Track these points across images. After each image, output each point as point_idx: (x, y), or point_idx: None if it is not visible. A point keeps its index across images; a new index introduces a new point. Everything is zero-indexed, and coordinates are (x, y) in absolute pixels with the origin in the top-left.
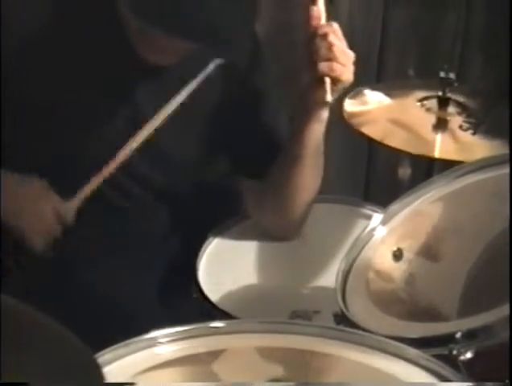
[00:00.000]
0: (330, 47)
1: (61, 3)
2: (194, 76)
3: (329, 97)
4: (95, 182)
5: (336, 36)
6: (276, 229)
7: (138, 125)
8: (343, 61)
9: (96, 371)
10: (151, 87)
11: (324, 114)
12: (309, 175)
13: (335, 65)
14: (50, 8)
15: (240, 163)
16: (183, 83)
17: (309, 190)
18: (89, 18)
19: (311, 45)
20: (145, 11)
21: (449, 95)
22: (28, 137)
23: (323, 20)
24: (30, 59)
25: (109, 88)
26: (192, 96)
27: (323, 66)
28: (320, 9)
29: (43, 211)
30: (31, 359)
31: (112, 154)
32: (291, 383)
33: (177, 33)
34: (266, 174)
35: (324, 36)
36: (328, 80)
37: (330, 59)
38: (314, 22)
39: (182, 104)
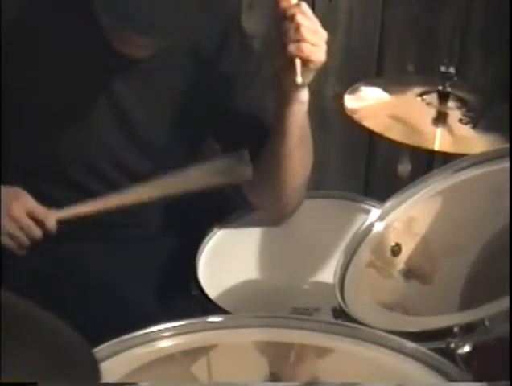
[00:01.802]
0: (298, 27)
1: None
2: (169, 67)
3: (299, 79)
4: (86, 207)
5: (304, 16)
6: (272, 213)
7: (117, 117)
8: (312, 41)
9: (93, 366)
10: (128, 78)
11: (303, 95)
12: (297, 158)
13: (303, 46)
14: (26, 3)
15: (228, 150)
16: (159, 72)
17: (300, 173)
18: (64, 12)
19: (280, 27)
20: (108, 11)
21: (449, 89)
22: (6, 135)
23: (292, 1)
24: (5, 55)
25: (86, 81)
26: (167, 83)
27: (291, 47)
28: None
29: (14, 213)
30: (29, 353)
31: (94, 145)
32: (293, 383)
33: (143, 32)
34: (255, 159)
35: (292, 17)
36: (298, 62)
37: (299, 40)
38: (282, 4)
39: (158, 92)
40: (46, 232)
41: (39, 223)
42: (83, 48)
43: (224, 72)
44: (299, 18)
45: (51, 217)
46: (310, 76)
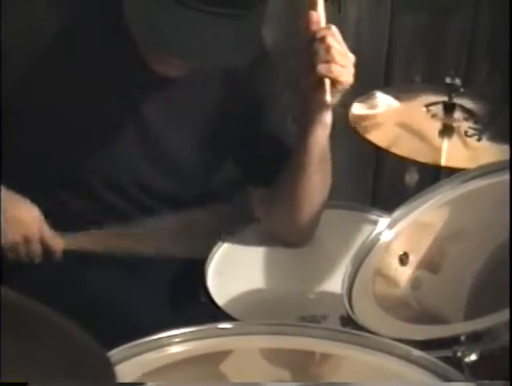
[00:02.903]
0: (328, 49)
1: (71, 14)
2: (200, 87)
3: (329, 98)
4: (94, 239)
5: (334, 39)
6: (287, 236)
7: (144, 136)
8: (342, 62)
9: (108, 369)
10: (159, 97)
11: (327, 118)
12: (316, 181)
13: (333, 66)
14: (60, 19)
15: (247, 172)
16: (190, 92)
17: (317, 197)
18: (99, 29)
19: (310, 48)
20: (143, 34)
21: (455, 100)
22: (37, 147)
23: (322, 24)
24: (39, 70)
25: (116, 98)
26: (198, 104)
27: (321, 67)
28: (319, 13)
29: (29, 235)
30: (43, 354)
31: (120, 163)
32: (297, 384)
33: (178, 55)
34: (273, 181)
35: (323, 39)
36: (327, 82)
37: (328, 61)
38: (313, 27)
39: (188, 112)
40: (50, 258)
41: (47, 249)
42: (116, 64)
43: (253, 93)
44: (330, 40)
45: (60, 247)
46: (337, 98)
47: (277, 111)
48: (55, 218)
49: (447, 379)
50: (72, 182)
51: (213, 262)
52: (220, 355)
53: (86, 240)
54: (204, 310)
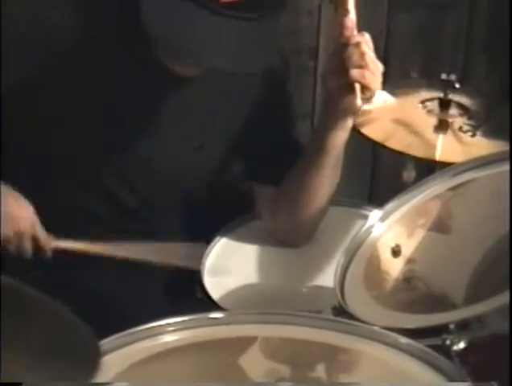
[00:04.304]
0: (362, 55)
1: (87, 17)
2: (218, 88)
3: (359, 102)
4: (85, 247)
5: (368, 46)
6: (287, 236)
7: (161, 136)
8: (373, 70)
9: (94, 346)
10: (176, 98)
11: (350, 122)
12: (327, 185)
13: (366, 72)
14: (77, 20)
15: (255, 168)
16: (208, 94)
17: (324, 200)
18: (116, 30)
19: (342, 53)
20: (160, 37)
21: (451, 97)
22: (48, 145)
23: (355, 30)
24: (55, 70)
25: (133, 97)
26: (214, 103)
27: (355, 72)
28: (352, 19)
29: (20, 230)
30: (31, 332)
31: (137, 165)
32: (298, 384)
33: (195, 59)
34: (280, 181)
35: (358, 45)
36: (357, 86)
37: (362, 67)
38: (347, 32)
39: (205, 111)
40: (40, 256)
41: (38, 247)
42: (132, 65)
43: (268, 93)
44: (364, 47)
45: (50, 246)
46: (363, 104)
47: (291, 111)
48: (70, 219)
49: (434, 366)
50: (87, 182)
51: (209, 258)
52: (212, 344)
53: (78, 244)
54: (200, 306)
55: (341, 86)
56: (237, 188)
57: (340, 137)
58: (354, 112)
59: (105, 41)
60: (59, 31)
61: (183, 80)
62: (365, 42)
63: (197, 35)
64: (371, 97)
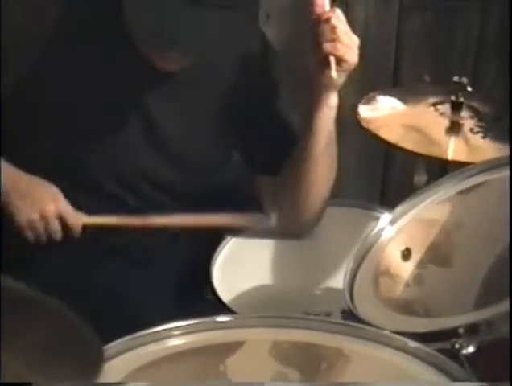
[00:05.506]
0: (333, 28)
1: (70, 13)
2: (205, 81)
3: (334, 73)
4: (117, 220)
5: (338, 20)
6: (291, 226)
7: (150, 131)
8: (346, 42)
9: (97, 348)
10: (162, 92)
11: (333, 99)
12: (323, 165)
13: (338, 45)
14: (60, 17)
15: (253, 160)
16: (195, 87)
17: (323, 184)
18: (100, 26)
19: (315, 29)
20: (141, 31)
21: (462, 100)
22: (42, 145)
23: (327, 7)
24: (41, 68)
25: (119, 94)
26: (202, 96)
27: (327, 46)
28: None
29: (47, 213)
30: (34, 332)
31: (125, 158)
32: (300, 384)
33: (177, 51)
34: (280, 169)
35: (328, 20)
36: (332, 59)
37: (334, 40)
38: (318, 10)
39: (192, 105)
40: (69, 235)
41: (66, 226)
42: (117, 61)
43: (257, 83)
44: (335, 21)
45: (79, 223)
46: (342, 78)
47: (283, 100)
48: None
49: (443, 370)
50: (79, 180)
51: (219, 259)
52: (220, 348)
53: (108, 219)
54: (210, 307)
55: (317, 62)
56: (237, 185)
57: (326, 114)
58: (334, 86)
59: (89, 38)
60: (41, 29)
61: (168, 74)
62: (336, 16)
63: (179, 26)
64: (348, 69)
